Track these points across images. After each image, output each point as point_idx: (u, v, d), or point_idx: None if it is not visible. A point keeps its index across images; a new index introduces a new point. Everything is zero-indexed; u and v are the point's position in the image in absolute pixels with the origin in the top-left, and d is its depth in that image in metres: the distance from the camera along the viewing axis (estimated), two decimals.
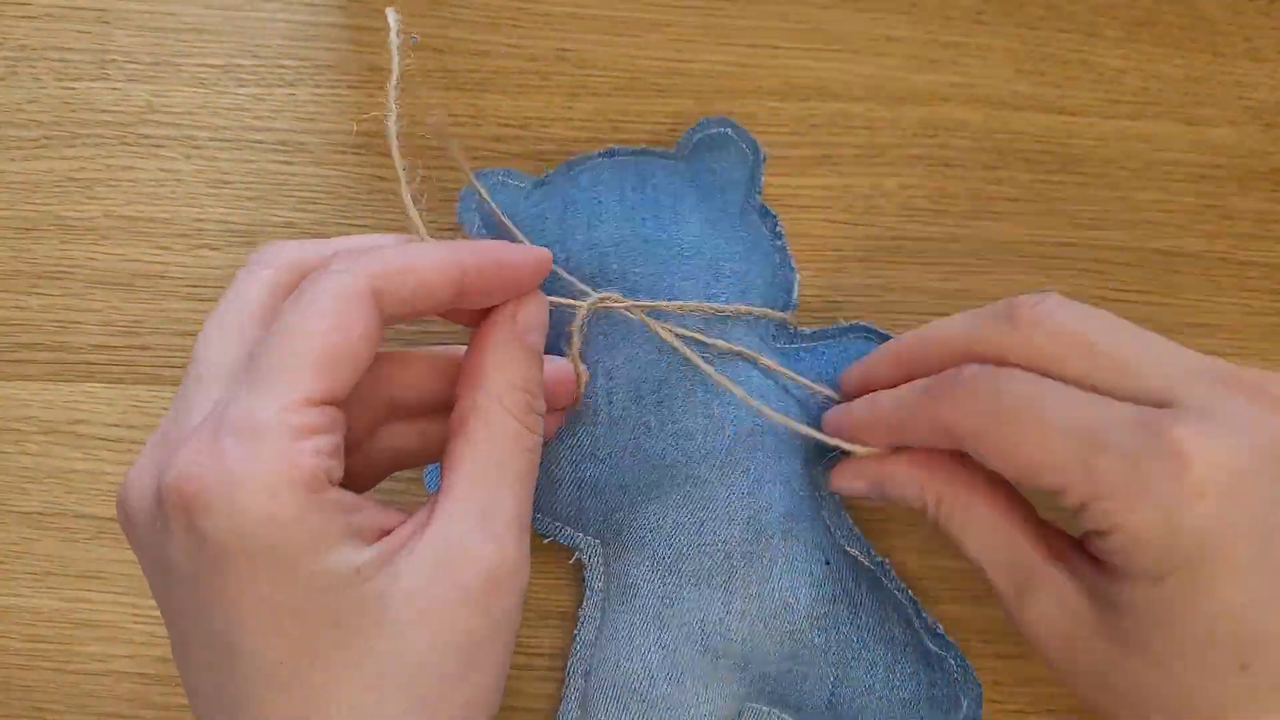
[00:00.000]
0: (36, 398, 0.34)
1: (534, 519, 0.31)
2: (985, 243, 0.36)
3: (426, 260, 0.24)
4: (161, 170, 0.36)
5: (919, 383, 0.27)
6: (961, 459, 0.26)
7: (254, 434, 0.21)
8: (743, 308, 0.31)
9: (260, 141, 0.36)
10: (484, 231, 0.33)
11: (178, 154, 0.36)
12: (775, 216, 0.34)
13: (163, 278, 0.35)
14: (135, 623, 0.33)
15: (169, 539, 0.21)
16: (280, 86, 0.36)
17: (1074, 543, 0.26)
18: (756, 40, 0.37)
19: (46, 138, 0.36)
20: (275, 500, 0.21)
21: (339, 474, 0.23)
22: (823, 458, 0.31)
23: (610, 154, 0.34)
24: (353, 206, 0.36)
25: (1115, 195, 0.37)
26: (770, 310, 0.32)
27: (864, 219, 0.36)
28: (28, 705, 0.32)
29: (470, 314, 0.26)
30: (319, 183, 0.36)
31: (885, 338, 0.33)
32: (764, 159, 0.35)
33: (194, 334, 0.34)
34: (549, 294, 0.27)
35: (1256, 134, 0.37)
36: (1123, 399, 0.24)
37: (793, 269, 0.33)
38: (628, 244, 0.31)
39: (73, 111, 0.36)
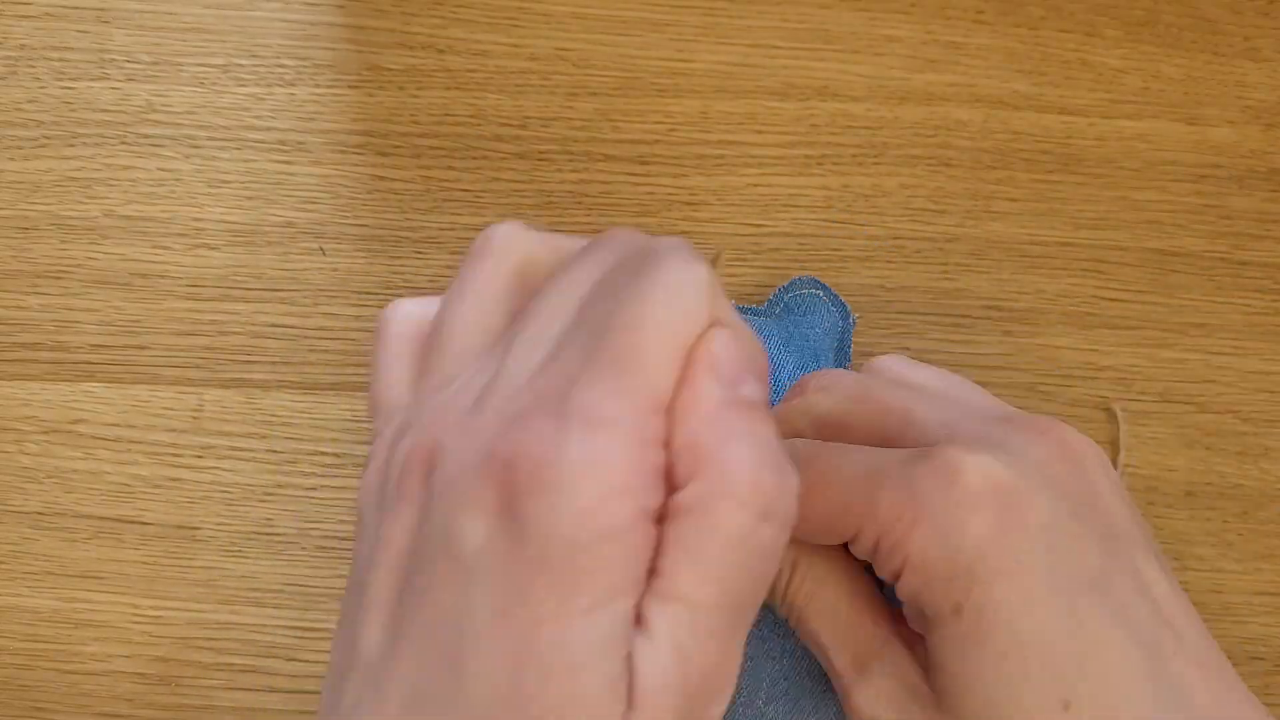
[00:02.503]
0: (36, 397, 0.34)
1: None
2: (985, 243, 0.36)
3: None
4: (161, 170, 0.36)
5: None
6: None
7: (606, 425, 0.18)
8: None
9: (260, 141, 0.36)
10: None
11: (177, 153, 0.36)
12: None
13: (162, 277, 0.35)
14: (134, 623, 0.33)
15: (465, 515, 0.18)
16: (280, 86, 0.36)
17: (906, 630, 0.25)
18: (756, 40, 0.37)
19: (46, 137, 0.36)
20: (617, 505, 0.18)
21: (659, 502, 0.19)
22: None
23: None
24: (352, 206, 0.36)
25: (1115, 195, 0.37)
26: None
27: (864, 219, 0.36)
28: (27, 705, 0.32)
29: None
30: (318, 182, 0.36)
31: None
32: (854, 323, 0.34)
33: (193, 333, 0.34)
34: None
35: (1256, 134, 0.37)
36: (909, 446, 0.24)
37: None
38: None
39: (72, 111, 0.36)
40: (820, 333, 0.33)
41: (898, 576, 0.23)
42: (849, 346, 0.34)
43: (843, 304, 0.34)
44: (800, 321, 0.33)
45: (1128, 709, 0.21)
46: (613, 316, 0.19)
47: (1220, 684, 0.22)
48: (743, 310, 0.33)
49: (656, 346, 0.18)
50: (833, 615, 0.25)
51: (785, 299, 0.34)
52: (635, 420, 0.18)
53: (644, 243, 0.21)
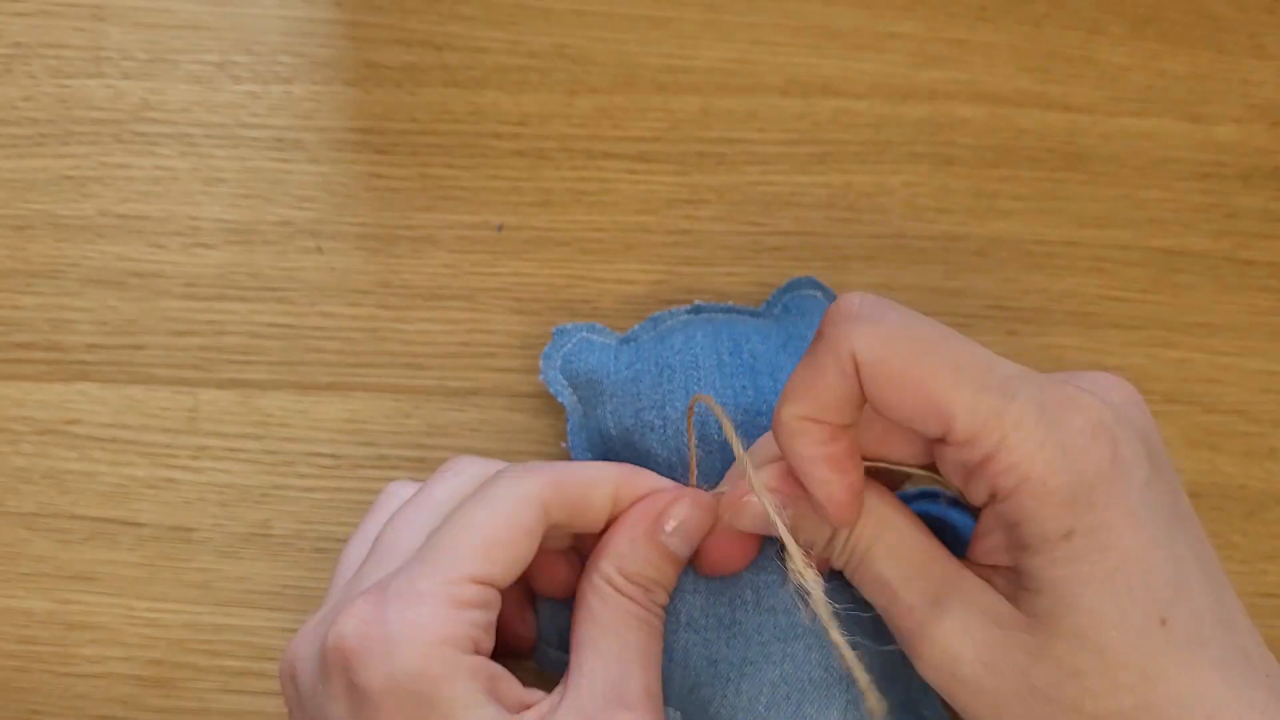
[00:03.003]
0: (30, 397, 0.34)
1: None
2: (989, 241, 0.36)
3: (586, 471, 0.27)
4: (157, 168, 0.35)
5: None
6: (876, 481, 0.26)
7: (415, 599, 0.24)
8: None
9: (256, 139, 0.36)
10: (570, 391, 0.32)
11: (173, 151, 0.36)
12: None
13: (158, 276, 0.35)
14: (130, 625, 0.32)
15: (329, 697, 0.24)
16: (276, 83, 0.36)
17: (974, 565, 0.25)
18: (758, 37, 0.37)
19: (41, 135, 0.36)
20: (429, 657, 0.23)
21: (489, 647, 0.25)
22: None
23: (697, 310, 0.33)
24: (349, 204, 0.35)
25: (1119, 193, 0.36)
26: None
27: (867, 217, 0.36)
28: (22, 708, 0.32)
29: None
30: (316, 180, 0.35)
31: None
32: None
33: (189, 333, 0.34)
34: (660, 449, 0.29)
35: (1261, 132, 0.37)
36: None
37: None
38: (727, 413, 0.29)
39: (67, 109, 0.36)
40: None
41: (1008, 496, 0.23)
42: None
43: None
44: (799, 323, 0.33)
45: (1211, 632, 0.23)
46: (445, 522, 0.25)
47: (1261, 646, 0.24)
48: (740, 312, 0.33)
49: (466, 539, 0.25)
50: (900, 552, 0.25)
51: (784, 300, 0.34)
52: (446, 589, 0.24)
53: (490, 470, 0.27)
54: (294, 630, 0.33)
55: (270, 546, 0.33)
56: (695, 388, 0.30)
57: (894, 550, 0.25)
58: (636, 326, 0.33)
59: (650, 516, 0.27)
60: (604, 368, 0.32)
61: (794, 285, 0.34)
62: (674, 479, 0.29)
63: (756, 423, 0.29)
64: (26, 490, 0.33)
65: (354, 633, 0.23)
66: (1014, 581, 0.24)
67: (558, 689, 0.25)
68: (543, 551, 0.27)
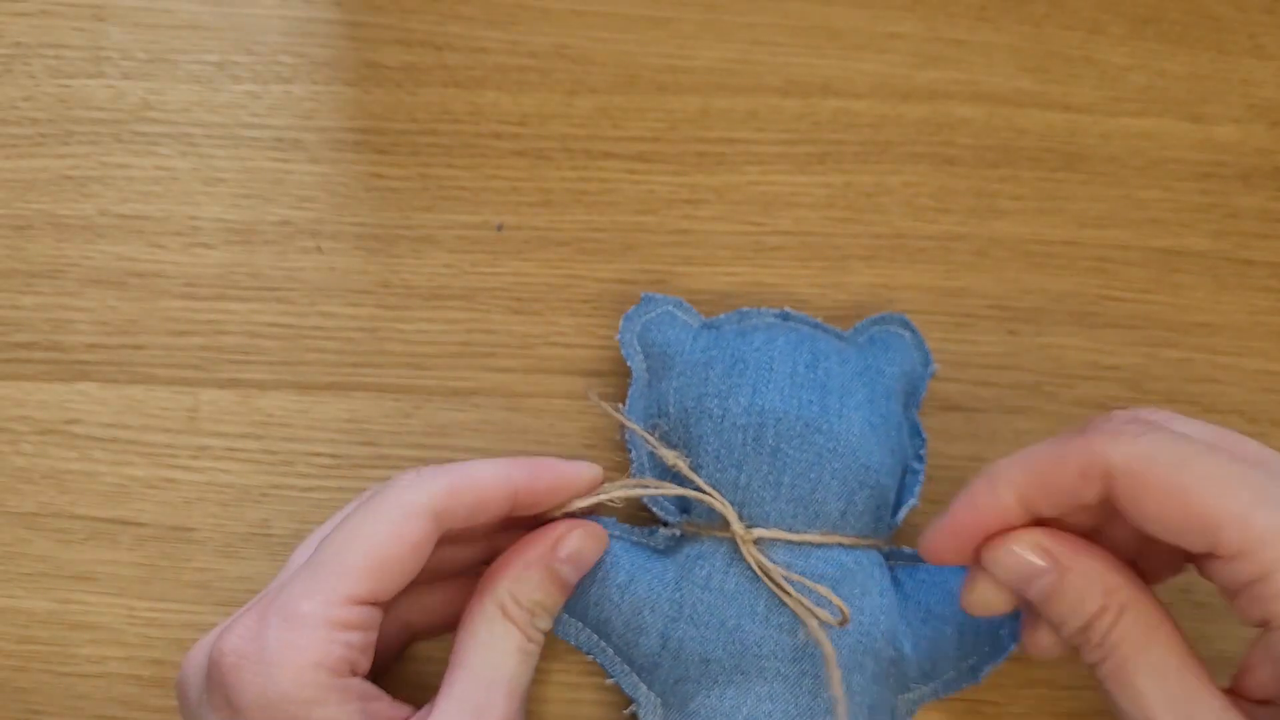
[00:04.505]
0: (30, 397, 0.34)
1: (607, 655, 0.30)
2: (989, 241, 0.36)
3: (482, 475, 0.27)
4: (157, 168, 0.35)
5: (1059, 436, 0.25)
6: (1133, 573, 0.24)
7: (296, 621, 0.24)
8: (870, 540, 0.30)
9: (256, 139, 0.36)
10: (642, 357, 0.32)
11: (173, 151, 0.36)
12: (924, 439, 0.32)
13: (158, 276, 0.35)
14: (130, 625, 0.32)
15: (210, 708, 0.25)
16: (276, 83, 0.36)
17: (1240, 699, 0.24)
18: (758, 37, 0.37)
19: (42, 135, 0.36)
20: (301, 681, 0.24)
21: (365, 667, 0.26)
22: (904, 691, 0.30)
23: (785, 316, 0.33)
24: (349, 204, 0.35)
25: (1119, 193, 0.36)
26: (879, 542, 0.30)
27: (867, 217, 0.36)
28: (22, 708, 0.32)
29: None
30: (315, 180, 0.35)
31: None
32: (933, 373, 0.33)
33: (189, 333, 0.34)
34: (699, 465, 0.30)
35: (1261, 132, 0.37)
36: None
37: (915, 496, 0.31)
38: (788, 422, 0.29)
39: (68, 109, 0.36)
40: (895, 372, 0.32)
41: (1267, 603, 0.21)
42: (920, 395, 0.33)
43: (926, 351, 0.33)
44: (880, 357, 0.32)
45: None
46: (326, 540, 0.26)
47: None
48: (826, 330, 0.33)
49: (352, 555, 0.25)
50: (1165, 672, 0.23)
51: (871, 331, 0.33)
52: (326, 611, 0.24)
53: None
54: None
55: (270, 546, 0.33)
56: (764, 388, 0.30)
57: (1158, 669, 0.23)
58: (722, 315, 0.33)
59: (546, 543, 0.27)
60: (680, 345, 0.32)
61: (883, 319, 0.33)
62: (721, 470, 0.29)
63: (813, 440, 0.29)
64: (26, 490, 0.33)
65: (233, 650, 0.24)
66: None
67: (426, 707, 0.26)
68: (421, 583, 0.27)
